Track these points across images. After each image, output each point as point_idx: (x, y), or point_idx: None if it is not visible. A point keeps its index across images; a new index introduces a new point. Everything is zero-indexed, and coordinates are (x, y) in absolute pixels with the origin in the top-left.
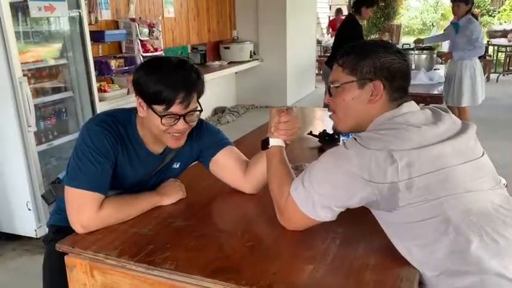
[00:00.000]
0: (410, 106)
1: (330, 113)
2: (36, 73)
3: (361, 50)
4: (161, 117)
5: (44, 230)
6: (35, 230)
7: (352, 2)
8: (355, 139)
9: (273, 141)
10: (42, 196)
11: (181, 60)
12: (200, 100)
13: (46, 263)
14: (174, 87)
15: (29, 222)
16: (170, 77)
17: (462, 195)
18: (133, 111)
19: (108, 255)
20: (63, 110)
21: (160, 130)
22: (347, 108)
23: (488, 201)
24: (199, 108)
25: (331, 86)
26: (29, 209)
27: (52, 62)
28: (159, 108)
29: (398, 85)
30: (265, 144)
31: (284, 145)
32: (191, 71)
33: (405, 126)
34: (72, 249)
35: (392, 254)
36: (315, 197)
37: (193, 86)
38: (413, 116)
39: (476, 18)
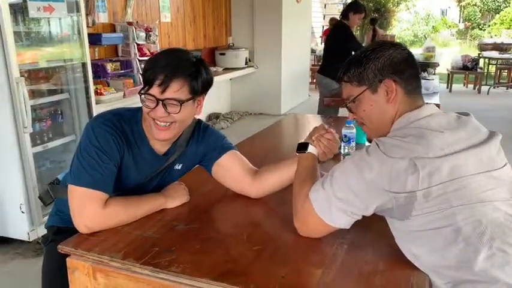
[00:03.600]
0: (431, 108)
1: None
2: (32, 74)
3: (358, 60)
4: (140, 95)
5: (37, 233)
6: (28, 233)
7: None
8: (378, 145)
9: (311, 148)
10: (40, 197)
11: (184, 51)
12: None
13: (46, 265)
14: (156, 68)
15: (22, 225)
16: (159, 60)
17: (474, 205)
18: (139, 109)
19: (112, 258)
20: (59, 112)
21: (146, 115)
22: (370, 116)
23: (500, 212)
24: (181, 100)
25: (348, 103)
26: (23, 212)
27: (49, 64)
28: (144, 89)
29: (408, 74)
30: (301, 147)
31: (317, 157)
32: (187, 60)
33: (427, 131)
34: (75, 251)
35: (400, 259)
36: (333, 200)
37: (176, 72)
38: (435, 120)
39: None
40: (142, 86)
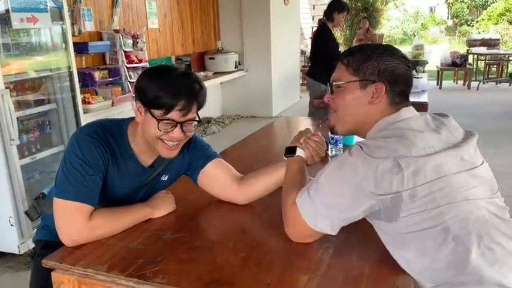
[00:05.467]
0: (410, 111)
1: (330, 113)
2: (18, 85)
3: (367, 51)
4: (159, 121)
5: (27, 246)
6: (18, 246)
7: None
8: (361, 147)
9: (299, 152)
10: (26, 213)
11: (185, 71)
12: None
13: (33, 280)
14: (176, 94)
15: (11, 238)
16: (174, 83)
17: (460, 204)
18: (124, 121)
19: (97, 271)
20: (47, 122)
21: (154, 137)
22: (346, 108)
23: (484, 210)
24: (197, 119)
25: (333, 84)
26: (12, 225)
27: (35, 74)
28: (157, 112)
29: (400, 89)
30: (289, 151)
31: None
32: (195, 81)
33: (408, 131)
34: (59, 265)
35: (386, 262)
36: (318, 206)
37: (195, 96)
38: (414, 122)
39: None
40: (145, 106)
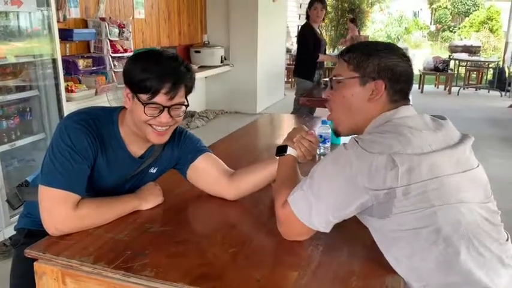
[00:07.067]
0: (408, 110)
1: (329, 114)
2: (0, 70)
3: (368, 48)
4: (145, 105)
5: (4, 235)
6: None
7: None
8: (357, 141)
9: (291, 150)
10: (7, 201)
11: (172, 54)
12: None
13: (15, 269)
14: (161, 77)
15: None
16: (158, 66)
17: (454, 206)
18: (115, 110)
19: (82, 262)
20: (28, 109)
21: (142, 122)
22: (345, 105)
23: (476, 214)
24: (186, 103)
25: (334, 79)
26: None
27: (16, 59)
28: (143, 97)
29: (400, 87)
30: (281, 150)
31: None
32: (181, 64)
33: (406, 128)
34: (43, 255)
35: (376, 260)
36: (312, 203)
37: (182, 79)
38: (412, 120)
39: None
40: (132, 91)
